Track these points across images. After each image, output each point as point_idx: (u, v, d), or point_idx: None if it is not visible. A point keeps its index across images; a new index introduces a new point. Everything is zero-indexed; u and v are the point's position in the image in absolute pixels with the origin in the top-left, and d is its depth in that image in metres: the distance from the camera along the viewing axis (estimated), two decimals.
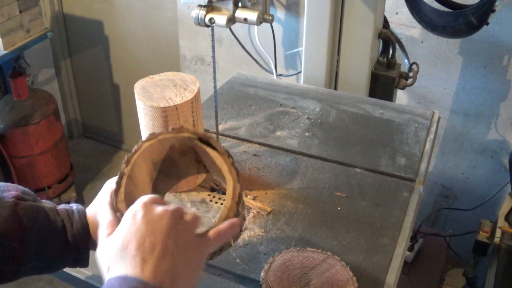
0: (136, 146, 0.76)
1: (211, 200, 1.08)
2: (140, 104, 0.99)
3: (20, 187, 0.76)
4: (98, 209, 0.76)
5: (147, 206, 0.64)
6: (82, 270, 0.92)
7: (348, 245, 0.96)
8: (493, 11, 1.53)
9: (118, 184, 0.73)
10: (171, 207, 0.65)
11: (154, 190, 0.80)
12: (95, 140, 3.42)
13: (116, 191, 0.72)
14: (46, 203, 0.77)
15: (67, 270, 0.92)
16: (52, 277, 1.02)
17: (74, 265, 0.78)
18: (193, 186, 1.11)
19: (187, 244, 0.63)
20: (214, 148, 0.75)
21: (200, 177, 1.13)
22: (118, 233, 0.63)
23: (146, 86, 1.03)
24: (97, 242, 0.75)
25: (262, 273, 0.83)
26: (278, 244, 0.96)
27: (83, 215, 0.77)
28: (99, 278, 0.91)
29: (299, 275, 0.83)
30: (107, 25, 2.94)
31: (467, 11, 1.54)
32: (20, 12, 2.38)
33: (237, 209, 0.71)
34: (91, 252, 0.77)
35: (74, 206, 0.79)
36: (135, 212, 0.64)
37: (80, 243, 0.75)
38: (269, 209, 1.04)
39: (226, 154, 0.74)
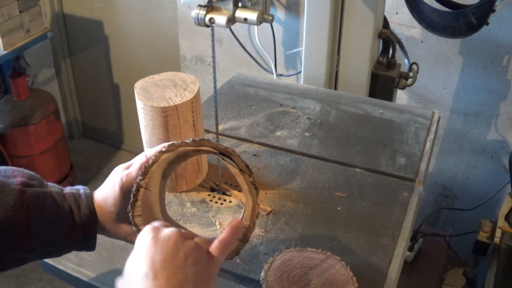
0: (153, 157, 0.73)
1: (211, 200, 1.08)
2: (140, 104, 0.99)
3: (25, 171, 0.75)
4: (108, 194, 0.76)
5: (156, 229, 0.65)
6: (83, 270, 0.92)
7: (348, 245, 0.96)
8: (493, 11, 1.53)
9: (135, 197, 0.71)
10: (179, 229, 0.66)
11: (164, 178, 0.79)
12: (95, 140, 3.42)
13: (133, 205, 0.71)
14: (53, 187, 0.76)
15: (67, 270, 0.93)
16: (52, 277, 1.02)
17: (80, 249, 0.78)
18: (193, 186, 1.11)
19: (197, 261, 0.63)
20: (235, 163, 0.73)
21: (200, 177, 1.13)
22: (131, 260, 0.63)
23: (146, 86, 1.03)
24: (104, 226, 0.76)
25: (262, 273, 0.83)
26: (278, 244, 0.96)
27: (90, 199, 0.76)
28: (99, 278, 0.91)
29: (299, 275, 0.83)
30: (107, 25, 2.94)
31: (467, 11, 1.54)
32: (20, 12, 2.38)
33: (254, 226, 0.73)
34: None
35: (81, 189, 0.78)
36: (144, 236, 0.64)
37: (87, 228, 0.75)
38: (269, 209, 1.04)
39: (247, 172, 0.73)
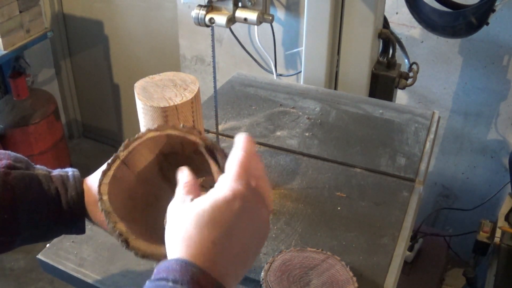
0: (140, 133, 0.71)
1: None
2: (140, 104, 0.99)
3: (12, 153, 0.74)
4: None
5: (251, 197, 0.56)
6: (83, 270, 0.92)
7: (348, 245, 0.96)
8: (493, 11, 1.53)
9: (109, 165, 0.69)
10: (270, 205, 0.59)
11: (165, 179, 0.77)
12: (95, 140, 3.42)
13: (104, 172, 0.69)
14: (40, 170, 0.75)
15: (67, 270, 0.93)
16: (52, 277, 1.02)
17: (70, 232, 0.76)
18: None
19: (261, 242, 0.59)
20: (217, 162, 0.69)
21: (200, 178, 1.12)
22: (209, 207, 0.54)
23: (146, 86, 1.03)
24: (88, 209, 0.74)
25: (262, 273, 0.83)
26: (278, 244, 0.96)
27: (78, 181, 0.75)
28: (99, 278, 0.91)
29: (299, 275, 0.83)
30: (107, 25, 2.94)
31: (467, 11, 1.54)
32: (20, 12, 2.38)
33: None
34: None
35: (69, 171, 0.77)
36: (235, 195, 0.55)
37: (74, 210, 0.73)
38: None
39: None
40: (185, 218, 0.55)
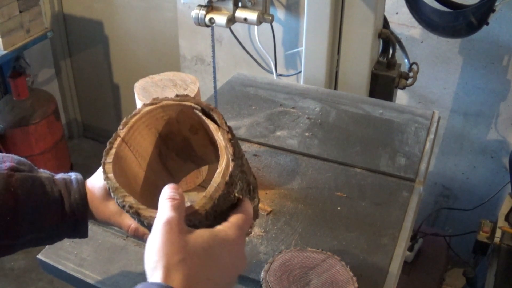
0: (136, 110, 0.71)
1: None
2: (140, 104, 0.99)
3: (16, 157, 0.74)
4: (100, 174, 0.75)
5: (241, 241, 0.63)
6: (83, 270, 0.92)
7: (348, 245, 0.96)
8: (493, 11, 1.53)
9: (111, 144, 0.69)
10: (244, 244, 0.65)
11: (165, 169, 0.76)
12: (95, 140, 3.42)
13: (107, 151, 0.69)
14: (43, 173, 0.75)
15: (67, 270, 0.93)
16: (52, 277, 1.02)
17: (73, 236, 0.76)
18: (193, 186, 1.11)
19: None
20: (215, 121, 0.70)
21: (200, 177, 1.13)
22: (217, 244, 0.59)
23: (146, 86, 1.03)
24: (91, 208, 0.75)
25: (262, 273, 0.83)
26: (278, 244, 0.96)
27: (81, 184, 0.75)
28: (99, 278, 0.91)
29: (299, 275, 0.83)
30: (107, 25, 2.94)
31: (467, 11, 1.54)
32: (20, 12, 2.38)
33: (227, 189, 0.65)
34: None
35: (73, 175, 0.77)
36: (240, 239, 0.62)
37: (78, 214, 0.74)
38: (269, 209, 1.04)
39: (226, 129, 0.69)
40: (185, 248, 0.56)
